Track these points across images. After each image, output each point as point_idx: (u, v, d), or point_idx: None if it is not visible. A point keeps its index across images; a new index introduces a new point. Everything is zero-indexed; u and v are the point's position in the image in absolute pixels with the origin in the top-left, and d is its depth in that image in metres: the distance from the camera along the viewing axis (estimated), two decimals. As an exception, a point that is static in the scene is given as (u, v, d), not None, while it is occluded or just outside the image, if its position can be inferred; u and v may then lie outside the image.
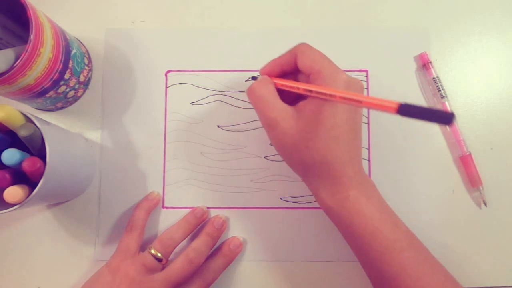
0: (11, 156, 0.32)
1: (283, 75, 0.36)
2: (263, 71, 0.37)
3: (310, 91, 0.33)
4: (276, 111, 0.34)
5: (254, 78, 0.41)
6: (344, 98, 0.31)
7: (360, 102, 0.30)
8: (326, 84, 0.32)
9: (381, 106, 0.28)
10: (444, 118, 0.23)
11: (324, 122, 0.32)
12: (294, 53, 0.35)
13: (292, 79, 0.36)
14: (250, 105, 0.44)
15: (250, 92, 0.35)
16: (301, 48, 0.34)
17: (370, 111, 0.44)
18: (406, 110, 0.25)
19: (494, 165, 0.43)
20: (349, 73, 0.44)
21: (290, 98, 0.36)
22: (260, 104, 0.34)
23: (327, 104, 0.32)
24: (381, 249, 0.32)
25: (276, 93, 0.35)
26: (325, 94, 0.32)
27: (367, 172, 0.43)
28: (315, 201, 0.43)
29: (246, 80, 0.44)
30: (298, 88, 0.34)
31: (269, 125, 0.34)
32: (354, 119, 0.33)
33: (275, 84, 0.36)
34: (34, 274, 0.42)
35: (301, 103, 0.34)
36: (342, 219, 0.34)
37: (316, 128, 0.32)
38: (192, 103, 0.44)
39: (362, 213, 0.33)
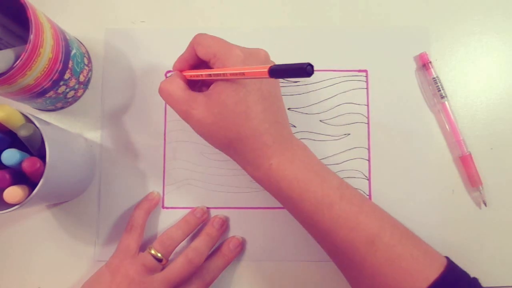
0: (11, 156, 0.32)
1: (196, 67, 0.37)
2: (174, 68, 0.38)
3: (209, 75, 0.34)
4: (186, 103, 0.34)
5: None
6: (232, 74, 0.32)
7: (242, 74, 0.31)
8: (223, 64, 0.33)
9: (256, 73, 0.29)
10: (302, 70, 0.25)
11: (228, 101, 0.33)
12: (192, 45, 0.36)
13: (207, 68, 0.37)
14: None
15: (160, 91, 0.36)
16: (197, 40, 0.35)
17: (370, 111, 0.44)
18: (275, 72, 0.27)
19: (494, 165, 0.43)
20: (349, 73, 0.44)
21: (206, 86, 0.37)
22: (170, 99, 0.36)
23: (228, 82, 0.33)
24: (311, 208, 0.33)
25: (183, 86, 0.35)
26: (218, 74, 0.33)
27: (366, 172, 0.43)
28: (315, 201, 0.43)
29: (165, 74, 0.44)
30: (202, 75, 0.35)
31: (184, 117, 0.35)
32: (261, 90, 0.34)
33: (184, 76, 0.37)
34: (34, 274, 0.42)
35: (210, 88, 0.35)
36: (271, 188, 0.35)
37: (224, 109, 0.33)
38: (192, 103, 0.44)
39: (287, 177, 0.34)
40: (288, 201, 0.35)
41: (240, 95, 0.33)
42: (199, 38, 0.35)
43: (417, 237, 0.35)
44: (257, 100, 0.33)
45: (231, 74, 0.32)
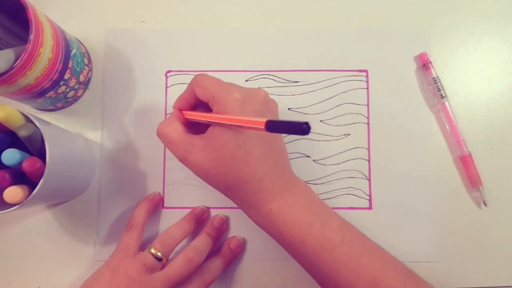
0: (11, 156, 0.32)
1: (196, 106, 0.37)
2: (174, 106, 0.37)
3: (210, 120, 0.33)
4: (183, 147, 0.34)
5: None
6: (229, 121, 0.31)
7: (236, 122, 0.30)
8: (221, 108, 0.33)
9: (253, 126, 0.28)
10: (300, 128, 0.24)
11: (227, 145, 0.32)
12: (191, 86, 0.35)
13: (207, 108, 0.37)
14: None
15: (158, 133, 0.36)
16: (196, 80, 0.35)
17: (370, 111, 0.44)
18: (272, 126, 0.26)
19: (494, 165, 0.43)
20: (349, 73, 0.44)
21: (205, 126, 0.36)
22: (167, 143, 0.35)
23: (224, 126, 0.32)
24: (313, 252, 0.33)
25: (180, 129, 0.35)
26: (216, 121, 0.32)
27: (366, 172, 0.43)
28: (315, 201, 0.43)
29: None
30: (199, 118, 0.34)
31: (181, 161, 0.35)
32: (260, 133, 0.33)
33: (182, 116, 0.36)
34: (34, 274, 0.42)
35: (208, 130, 0.34)
36: (272, 232, 0.34)
37: (222, 154, 0.32)
38: (192, 103, 0.44)
39: (287, 223, 0.33)
40: (289, 245, 0.34)
41: (239, 140, 0.32)
42: (198, 79, 0.35)
43: (420, 279, 0.35)
44: (256, 144, 0.33)
45: (229, 123, 0.31)
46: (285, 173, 0.35)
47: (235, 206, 0.40)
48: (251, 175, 0.33)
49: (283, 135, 0.37)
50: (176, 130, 0.35)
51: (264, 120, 0.26)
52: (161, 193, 0.43)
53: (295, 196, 0.34)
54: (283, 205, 0.34)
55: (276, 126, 0.26)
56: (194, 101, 0.36)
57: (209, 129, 0.34)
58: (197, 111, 0.36)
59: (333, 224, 0.34)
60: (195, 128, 0.36)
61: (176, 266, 0.37)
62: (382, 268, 0.33)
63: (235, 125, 0.31)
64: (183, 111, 0.37)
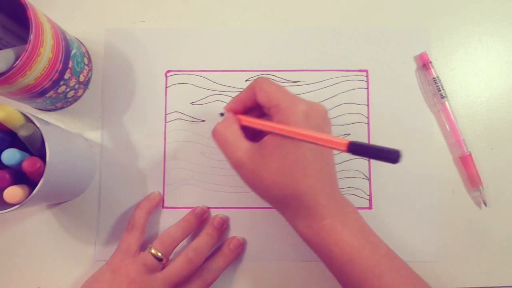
0: (11, 156, 0.32)
1: (249, 110, 0.36)
2: (228, 108, 0.36)
3: (272, 128, 0.33)
4: (241, 151, 0.33)
5: (222, 114, 0.38)
6: (301, 135, 0.31)
7: (315, 139, 0.30)
8: (285, 118, 0.32)
9: (333, 145, 0.27)
10: (391, 156, 0.23)
11: (288, 156, 0.32)
12: (252, 88, 0.35)
13: (260, 112, 0.36)
14: (250, 105, 0.44)
15: (214, 133, 0.35)
16: (259, 84, 0.34)
17: (370, 110, 0.44)
18: (356, 149, 0.25)
19: (494, 165, 0.43)
20: (349, 73, 0.44)
21: (257, 132, 0.36)
22: (224, 145, 0.34)
23: (288, 137, 0.32)
24: (360, 276, 0.33)
25: (239, 132, 0.34)
26: (283, 131, 0.32)
27: (366, 172, 0.43)
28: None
29: (220, 114, 0.42)
30: (261, 126, 0.34)
31: (236, 165, 0.34)
32: (319, 148, 0.33)
33: (240, 121, 0.35)
34: (34, 274, 0.42)
35: (265, 139, 0.33)
36: (320, 248, 0.34)
37: (282, 165, 0.32)
38: (192, 103, 0.44)
39: (339, 242, 0.33)
40: (337, 265, 0.34)
41: (299, 152, 0.32)
42: (261, 83, 0.34)
43: None
44: (315, 158, 0.32)
45: (299, 135, 0.30)
46: (337, 192, 0.35)
47: (235, 206, 0.41)
48: (308, 188, 0.32)
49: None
50: (237, 134, 0.34)
51: (347, 141, 0.25)
52: (161, 193, 0.43)
53: (347, 216, 0.34)
54: (336, 223, 0.33)
55: (361, 149, 0.24)
56: (251, 104, 0.35)
57: (267, 137, 0.33)
58: (256, 118, 0.35)
59: (382, 250, 0.34)
60: (245, 132, 0.35)
61: (177, 267, 0.37)
62: None
63: (311, 139, 0.30)
64: (240, 117, 0.36)
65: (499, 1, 0.45)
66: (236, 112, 0.36)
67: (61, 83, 0.39)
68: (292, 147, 0.32)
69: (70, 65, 0.39)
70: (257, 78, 0.35)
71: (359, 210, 0.36)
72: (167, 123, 0.44)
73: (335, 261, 0.33)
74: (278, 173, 0.32)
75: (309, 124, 0.32)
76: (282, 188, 0.33)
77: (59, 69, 0.38)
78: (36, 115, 0.33)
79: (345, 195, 0.42)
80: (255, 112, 0.36)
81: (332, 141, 0.28)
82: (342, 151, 0.26)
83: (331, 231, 0.33)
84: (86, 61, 0.43)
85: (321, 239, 0.33)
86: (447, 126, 0.43)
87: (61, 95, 0.41)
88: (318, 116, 0.33)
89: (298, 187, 0.32)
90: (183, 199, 0.43)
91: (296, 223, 0.34)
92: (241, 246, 0.42)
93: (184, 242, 0.40)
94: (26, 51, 0.33)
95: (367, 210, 0.42)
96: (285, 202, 0.34)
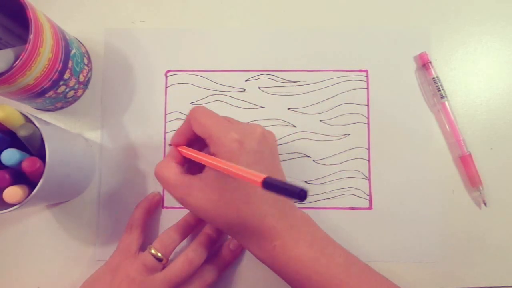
0: (11, 156, 0.32)
1: (194, 141, 0.36)
2: (172, 142, 0.36)
3: (206, 163, 0.32)
4: (181, 189, 0.33)
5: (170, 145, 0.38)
6: (225, 171, 0.30)
7: (232, 174, 0.29)
8: (216, 149, 0.32)
9: (249, 179, 0.27)
10: (298, 194, 0.23)
11: (226, 187, 0.32)
12: (188, 120, 0.34)
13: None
14: (249, 105, 0.44)
15: (156, 175, 0.35)
16: (193, 115, 0.34)
17: (370, 110, 0.44)
18: (268, 185, 0.25)
19: (494, 165, 0.43)
20: (349, 73, 0.44)
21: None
22: (166, 185, 0.35)
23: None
24: None
25: (177, 170, 0.34)
26: (211, 164, 0.31)
27: (366, 172, 0.43)
28: (315, 201, 0.43)
29: (169, 145, 0.42)
30: (197, 159, 0.33)
31: (181, 203, 0.34)
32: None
33: (180, 155, 0.35)
34: (34, 274, 0.42)
35: (205, 170, 0.33)
36: (276, 269, 0.34)
37: (222, 195, 0.32)
38: (192, 103, 0.44)
39: (292, 260, 0.33)
40: (294, 281, 0.34)
41: (237, 181, 0.32)
42: (195, 114, 0.34)
43: None
44: None
45: (222, 170, 0.30)
46: (287, 207, 0.35)
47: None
48: (252, 214, 0.32)
49: (282, 163, 0.36)
50: (174, 172, 0.34)
51: (262, 177, 0.25)
52: (161, 193, 0.43)
53: (299, 231, 0.34)
54: (287, 242, 0.33)
55: (273, 186, 0.25)
56: (192, 135, 0.35)
57: (206, 168, 0.33)
58: (194, 150, 0.35)
59: (339, 258, 0.34)
60: (194, 163, 0.35)
61: (177, 267, 0.37)
62: None
63: (230, 175, 0.29)
64: (179, 148, 0.36)
65: (499, 1, 0.45)
66: (179, 145, 0.36)
67: (61, 83, 0.39)
68: (229, 177, 0.31)
69: (69, 65, 0.39)
70: (193, 108, 0.34)
71: (359, 210, 0.36)
72: (167, 123, 0.44)
73: (292, 279, 0.33)
74: (219, 204, 0.32)
75: (244, 151, 0.32)
76: (227, 219, 0.33)
77: (59, 69, 0.38)
78: (36, 115, 0.33)
79: (345, 195, 0.43)
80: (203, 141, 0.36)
81: (247, 177, 0.27)
82: (258, 185, 0.26)
83: (283, 251, 0.33)
84: (85, 61, 0.43)
85: (275, 259, 0.33)
86: (447, 126, 0.43)
87: (61, 95, 0.41)
88: (253, 140, 0.33)
89: (241, 215, 0.32)
90: (183, 199, 0.43)
91: (249, 247, 0.35)
92: (241, 247, 0.42)
93: (184, 242, 0.40)
94: (26, 51, 0.33)
95: (367, 210, 0.42)
96: (234, 230, 0.34)
